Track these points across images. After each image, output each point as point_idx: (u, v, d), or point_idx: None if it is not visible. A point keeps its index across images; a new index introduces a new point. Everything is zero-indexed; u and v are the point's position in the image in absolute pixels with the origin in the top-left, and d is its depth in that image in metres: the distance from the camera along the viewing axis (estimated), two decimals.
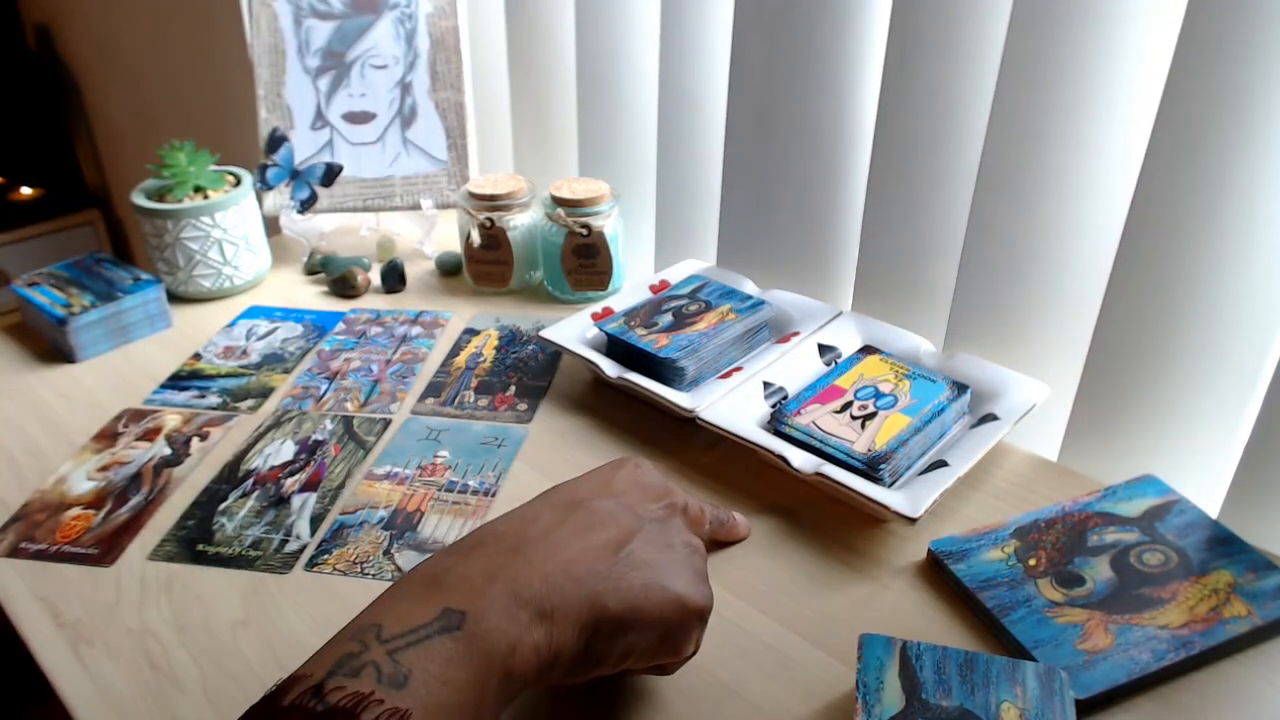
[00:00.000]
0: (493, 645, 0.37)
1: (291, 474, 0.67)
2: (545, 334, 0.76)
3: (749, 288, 0.82)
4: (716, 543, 0.59)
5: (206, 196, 0.88)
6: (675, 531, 0.45)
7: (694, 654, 0.45)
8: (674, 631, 0.43)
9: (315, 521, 0.62)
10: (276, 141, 0.94)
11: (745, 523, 0.60)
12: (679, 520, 0.47)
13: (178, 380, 0.79)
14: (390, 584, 0.41)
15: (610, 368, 0.72)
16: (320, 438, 0.70)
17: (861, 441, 0.63)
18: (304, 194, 0.94)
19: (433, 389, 0.77)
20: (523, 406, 0.74)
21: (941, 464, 0.61)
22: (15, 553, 0.60)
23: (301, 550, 0.60)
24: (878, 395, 0.67)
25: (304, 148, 0.95)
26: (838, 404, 0.66)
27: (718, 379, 0.71)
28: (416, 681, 0.35)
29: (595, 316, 0.79)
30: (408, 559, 0.58)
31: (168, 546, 0.60)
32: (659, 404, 0.70)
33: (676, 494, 0.49)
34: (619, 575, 0.41)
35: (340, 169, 0.94)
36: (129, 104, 1.93)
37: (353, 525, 0.61)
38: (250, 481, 0.66)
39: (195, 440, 0.70)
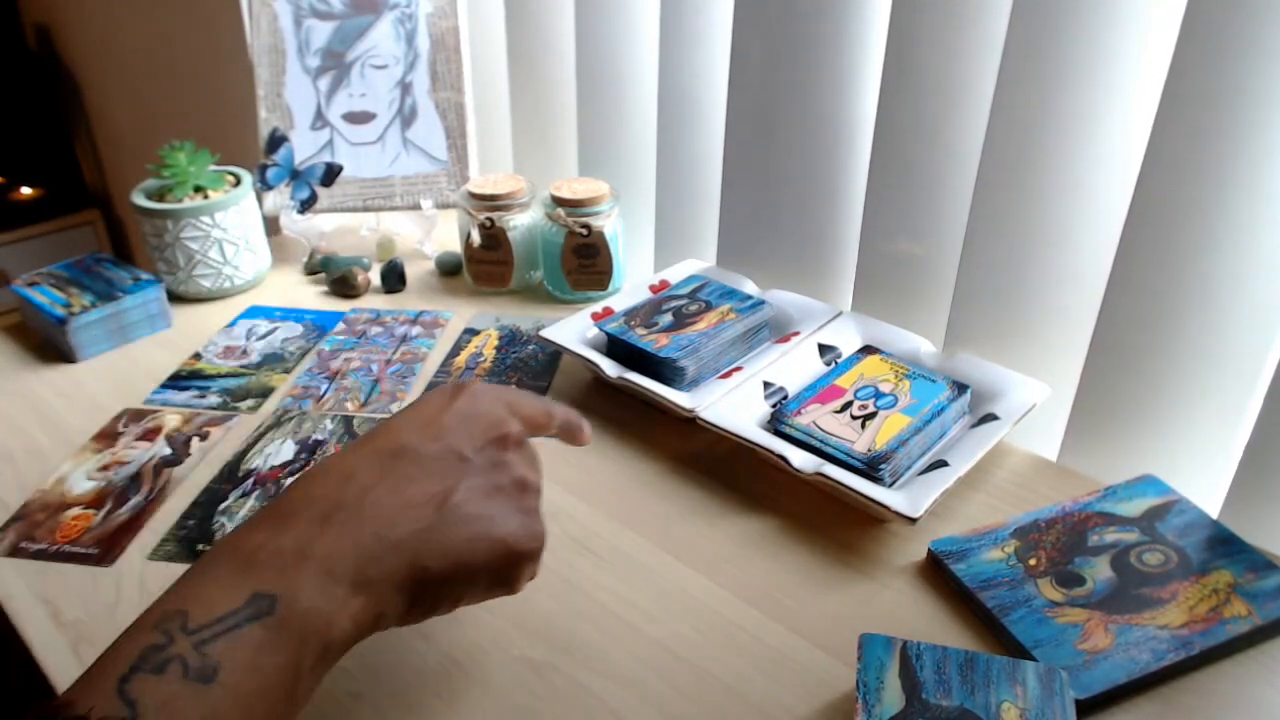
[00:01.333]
0: (307, 625, 0.36)
1: (292, 474, 0.67)
2: (545, 334, 0.76)
3: (749, 288, 0.82)
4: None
5: (206, 196, 0.88)
6: (505, 470, 0.43)
7: (533, 579, 0.44)
8: (504, 575, 0.42)
9: None
10: (276, 141, 0.94)
11: (589, 433, 0.54)
12: (511, 455, 0.44)
13: (178, 380, 0.79)
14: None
15: (610, 368, 0.72)
16: (320, 438, 0.70)
17: (862, 441, 0.63)
18: (304, 194, 0.94)
19: (433, 389, 0.77)
20: None
21: (941, 464, 0.61)
22: (15, 552, 0.60)
23: None
24: (878, 395, 0.67)
25: (304, 148, 0.95)
26: (838, 404, 0.66)
27: (718, 379, 0.71)
28: (225, 673, 0.33)
29: (595, 316, 0.79)
30: None
31: (168, 546, 0.60)
32: (659, 404, 0.70)
33: (510, 422, 0.45)
34: (441, 533, 0.40)
35: (340, 169, 0.94)
36: (129, 104, 1.93)
37: None
38: (250, 481, 0.66)
39: (195, 440, 0.70)
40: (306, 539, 0.38)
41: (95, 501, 0.64)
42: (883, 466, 0.60)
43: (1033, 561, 0.55)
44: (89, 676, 0.33)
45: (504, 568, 0.42)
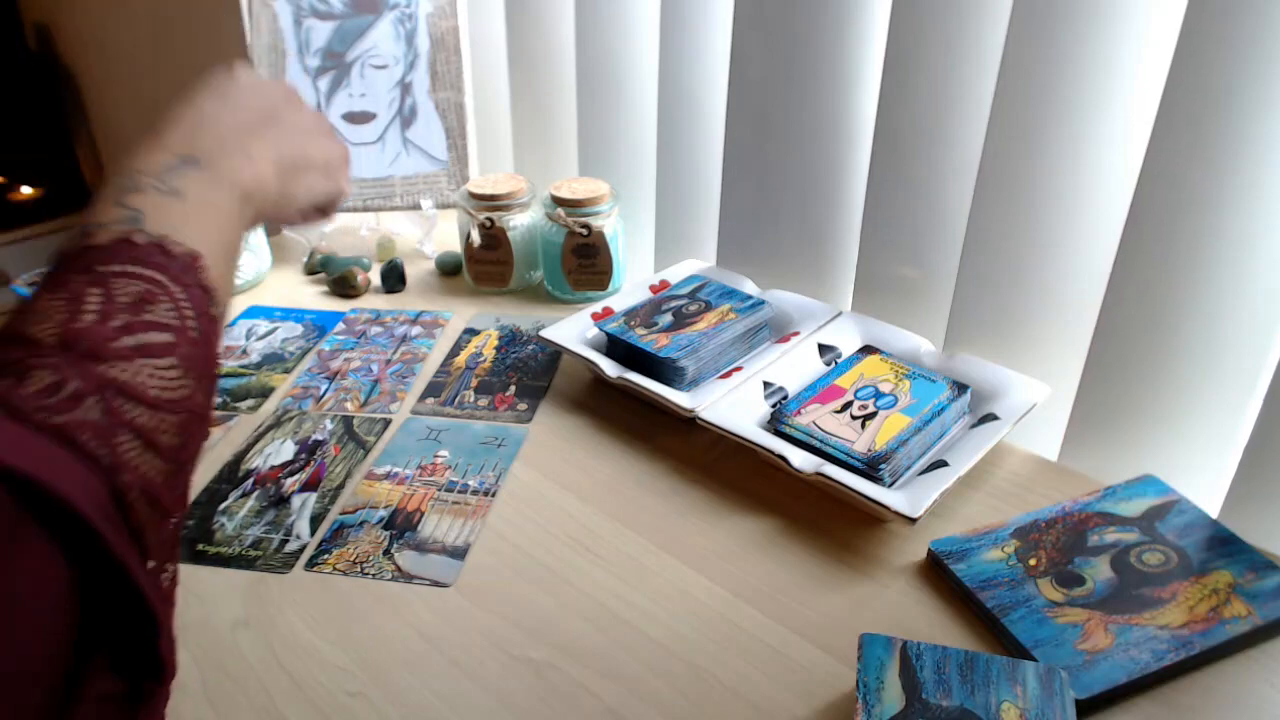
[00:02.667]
0: (226, 172, 0.47)
1: (291, 474, 0.67)
2: (545, 334, 0.76)
3: (749, 288, 0.82)
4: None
5: None
6: (298, 101, 0.57)
7: (343, 195, 0.60)
8: (332, 168, 0.58)
9: (315, 521, 0.62)
10: None
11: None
12: (296, 95, 0.58)
13: None
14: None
15: (610, 368, 0.72)
16: (320, 438, 0.70)
17: (862, 441, 0.63)
18: None
19: (433, 389, 0.77)
20: (523, 406, 0.74)
21: (941, 464, 0.61)
22: None
23: (301, 550, 0.60)
24: (878, 395, 0.67)
25: None
26: (838, 404, 0.66)
27: (718, 379, 0.71)
28: (189, 193, 0.44)
29: (595, 316, 0.79)
30: (408, 559, 0.58)
31: None
32: (659, 404, 0.70)
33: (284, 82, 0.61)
34: (282, 133, 0.53)
35: None
36: (129, 104, 1.93)
37: (353, 525, 0.61)
38: (250, 481, 0.66)
39: None
40: (193, 130, 0.49)
41: None
42: (883, 466, 0.60)
43: (1033, 561, 0.55)
44: (88, 213, 0.41)
45: (326, 166, 0.57)
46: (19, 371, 0.34)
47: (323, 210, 0.60)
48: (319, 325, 0.87)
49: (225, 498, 0.64)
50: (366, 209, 0.97)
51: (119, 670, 0.34)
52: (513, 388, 0.76)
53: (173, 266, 0.41)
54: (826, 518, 0.61)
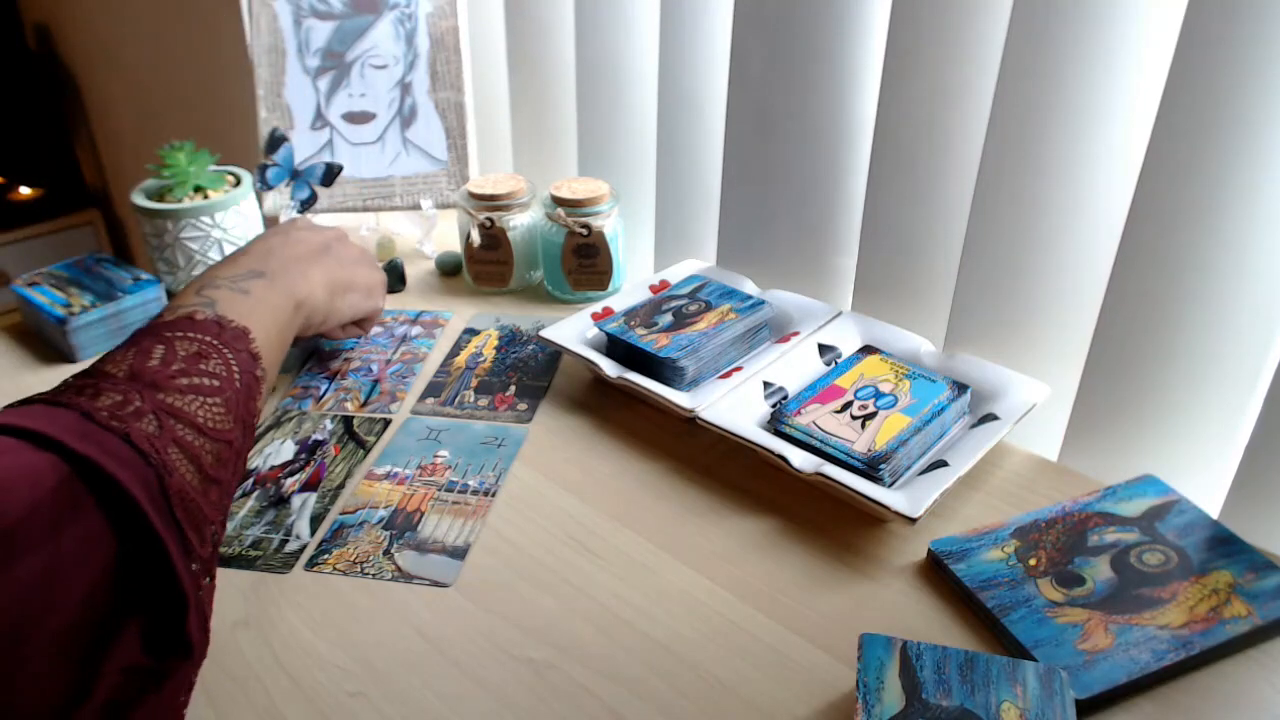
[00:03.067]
0: (285, 283, 0.61)
1: (291, 474, 0.67)
2: (545, 334, 0.76)
3: (749, 288, 0.82)
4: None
5: (206, 196, 0.88)
6: (346, 239, 0.73)
7: (379, 313, 0.78)
8: (371, 290, 0.74)
9: (315, 521, 0.62)
10: (276, 141, 0.94)
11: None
12: (343, 235, 0.74)
13: None
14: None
15: (610, 368, 0.72)
16: (320, 437, 0.70)
17: (861, 441, 0.63)
18: (304, 194, 0.94)
19: (433, 389, 0.77)
20: (523, 406, 0.74)
21: (941, 464, 0.61)
22: None
23: (301, 550, 0.60)
24: (878, 395, 0.67)
25: (304, 148, 0.95)
26: (838, 404, 0.66)
27: (718, 379, 0.71)
28: (254, 292, 0.58)
29: (595, 316, 0.79)
30: (408, 559, 0.58)
31: None
32: (659, 404, 0.70)
33: (329, 235, 0.72)
34: (333, 262, 0.68)
35: (340, 169, 0.94)
36: (129, 104, 1.93)
37: (353, 525, 0.61)
38: (250, 481, 0.66)
39: None
40: (262, 255, 0.64)
41: None
42: (883, 466, 0.60)
43: (1033, 561, 0.55)
44: (183, 295, 0.56)
45: (367, 288, 0.74)
46: (94, 393, 0.43)
47: (360, 324, 0.76)
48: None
49: None
50: (366, 209, 0.97)
51: (150, 650, 0.39)
52: (513, 388, 0.76)
53: (226, 335, 0.51)
54: (826, 518, 0.61)
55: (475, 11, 1.02)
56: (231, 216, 0.88)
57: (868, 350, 0.72)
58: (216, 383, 0.48)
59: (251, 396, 0.51)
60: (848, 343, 0.75)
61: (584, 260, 0.87)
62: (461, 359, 0.81)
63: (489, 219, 0.88)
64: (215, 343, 0.50)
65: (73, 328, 0.80)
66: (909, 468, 0.63)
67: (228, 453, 0.47)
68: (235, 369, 0.49)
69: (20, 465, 0.37)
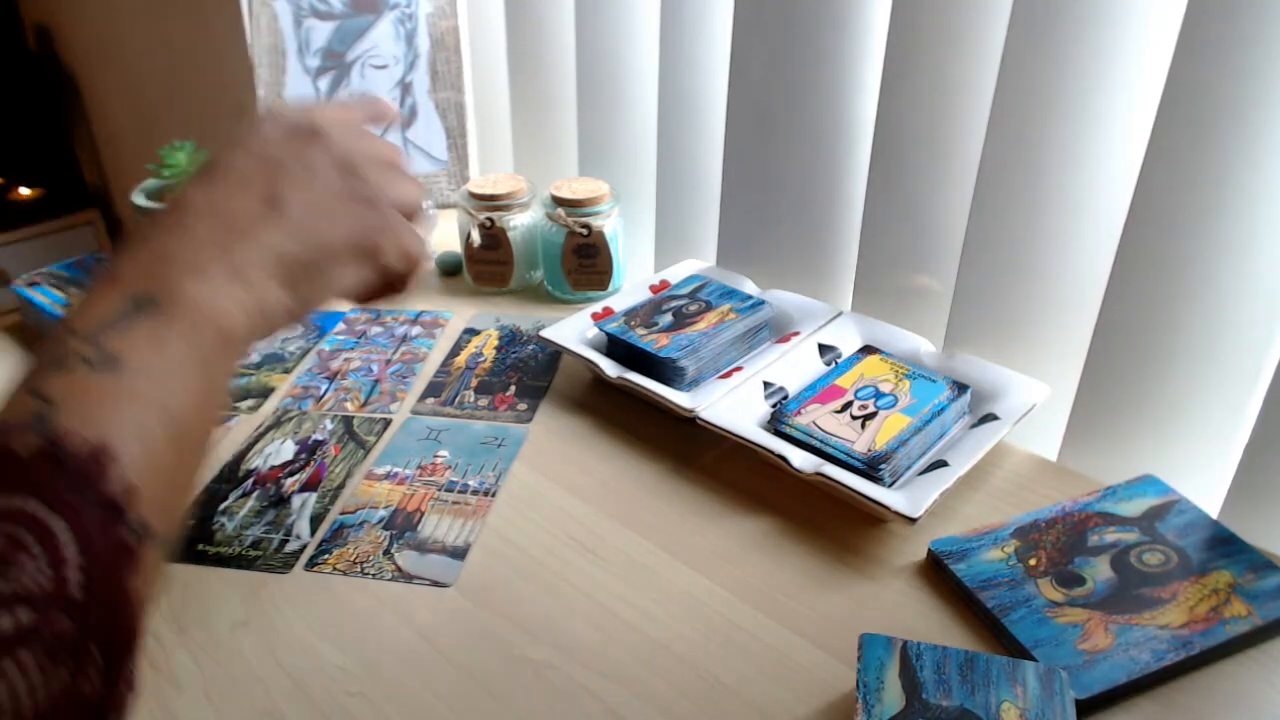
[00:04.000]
0: (194, 313, 0.37)
1: (291, 474, 0.67)
2: (545, 334, 0.76)
3: (749, 288, 0.82)
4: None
5: None
6: (319, 156, 0.44)
7: (417, 264, 0.48)
8: (371, 246, 0.45)
9: (315, 521, 0.62)
10: None
11: (387, 105, 0.53)
12: (320, 143, 0.45)
13: None
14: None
15: (610, 368, 0.72)
16: (320, 438, 0.70)
17: (862, 441, 0.63)
18: None
19: (433, 389, 0.77)
20: (523, 406, 0.74)
21: (941, 464, 0.61)
22: None
23: (301, 550, 0.60)
24: (878, 395, 0.67)
25: None
26: (838, 404, 0.66)
27: (718, 379, 0.71)
28: (130, 359, 0.34)
29: (595, 316, 0.79)
30: (408, 559, 0.58)
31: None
32: (659, 404, 0.70)
33: (311, 116, 0.46)
34: (283, 223, 0.41)
35: None
36: (129, 104, 1.93)
37: (353, 525, 0.61)
38: (250, 481, 0.66)
39: None
40: (163, 247, 0.39)
41: None
42: (883, 466, 0.60)
43: (1033, 561, 0.55)
44: (6, 400, 0.34)
45: (363, 237, 0.45)
46: None
47: (391, 286, 0.48)
48: (319, 325, 0.87)
49: (225, 498, 0.64)
50: None
51: None
52: (513, 388, 0.76)
53: (60, 484, 0.30)
54: (826, 518, 0.61)
55: (475, 11, 1.02)
56: None
57: (868, 350, 0.72)
58: (26, 617, 0.27)
59: (116, 591, 0.30)
60: (848, 343, 0.75)
61: (584, 260, 0.87)
62: (461, 359, 0.81)
63: (489, 219, 0.88)
64: (38, 512, 0.29)
65: None
66: (909, 468, 0.63)
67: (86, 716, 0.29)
68: (71, 558, 0.29)
69: None
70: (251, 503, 0.64)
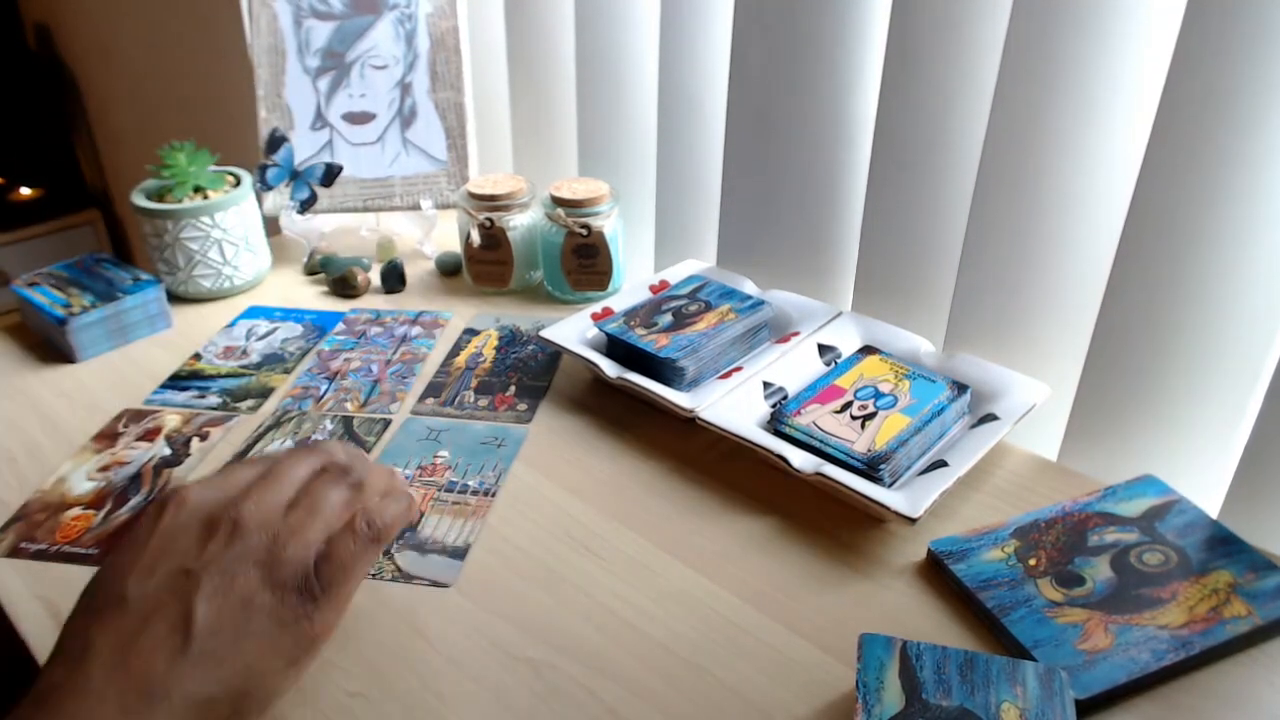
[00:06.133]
0: None
1: None
2: (545, 334, 0.76)
3: (749, 288, 0.82)
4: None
5: (206, 197, 0.88)
6: (242, 572, 0.39)
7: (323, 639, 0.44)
8: (290, 678, 0.41)
9: None
10: (276, 142, 0.94)
11: (406, 504, 0.48)
12: (239, 547, 0.40)
13: (177, 380, 0.79)
14: None
15: (610, 368, 0.72)
16: (320, 438, 0.70)
17: (861, 441, 0.63)
18: (304, 194, 0.94)
19: (433, 389, 0.77)
20: (523, 406, 0.74)
21: (941, 464, 0.61)
22: (15, 553, 0.60)
23: None
24: (878, 395, 0.67)
25: (304, 148, 0.95)
26: (838, 404, 0.66)
27: (718, 379, 0.71)
28: None
29: (595, 316, 0.79)
30: (408, 559, 0.58)
31: None
32: (659, 404, 0.70)
33: (238, 505, 0.41)
34: (203, 666, 0.37)
35: (340, 169, 0.94)
36: (129, 104, 1.93)
37: None
38: None
39: (195, 440, 0.70)
40: (59, 707, 0.36)
41: (95, 502, 0.64)
42: (882, 466, 0.60)
43: (1033, 561, 0.55)
44: None
45: (284, 677, 0.41)
46: None
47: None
48: (319, 325, 0.87)
49: None
50: (366, 209, 0.97)
51: None
52: (513, 388, 0.76)
53: None
54: (826, 518, 0.61)
55: (475, 11, 1.02)
56: (231, 216, 0.88)
57: (868, 350, 0.72)
58: None
59: None
60: (848, 343, 0.75)
61: (584, 260, 0.87)
62: (461, 359, 0.81)
63: (489, 219, 0.88)
64: None
65: (73, 328, 0.80)
66: (909, 468, 0.63)
67: None
68: None
69: None
70: None
